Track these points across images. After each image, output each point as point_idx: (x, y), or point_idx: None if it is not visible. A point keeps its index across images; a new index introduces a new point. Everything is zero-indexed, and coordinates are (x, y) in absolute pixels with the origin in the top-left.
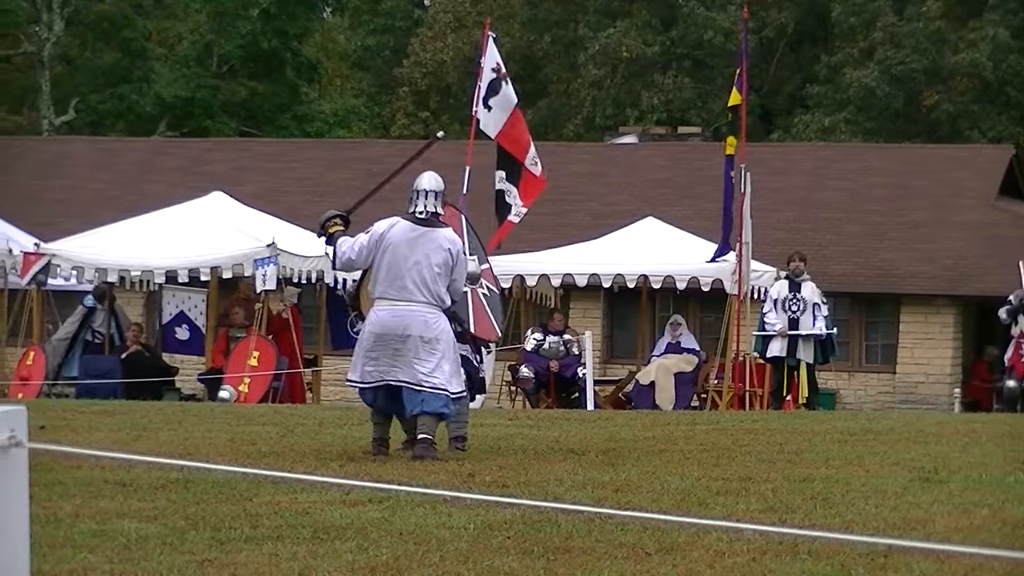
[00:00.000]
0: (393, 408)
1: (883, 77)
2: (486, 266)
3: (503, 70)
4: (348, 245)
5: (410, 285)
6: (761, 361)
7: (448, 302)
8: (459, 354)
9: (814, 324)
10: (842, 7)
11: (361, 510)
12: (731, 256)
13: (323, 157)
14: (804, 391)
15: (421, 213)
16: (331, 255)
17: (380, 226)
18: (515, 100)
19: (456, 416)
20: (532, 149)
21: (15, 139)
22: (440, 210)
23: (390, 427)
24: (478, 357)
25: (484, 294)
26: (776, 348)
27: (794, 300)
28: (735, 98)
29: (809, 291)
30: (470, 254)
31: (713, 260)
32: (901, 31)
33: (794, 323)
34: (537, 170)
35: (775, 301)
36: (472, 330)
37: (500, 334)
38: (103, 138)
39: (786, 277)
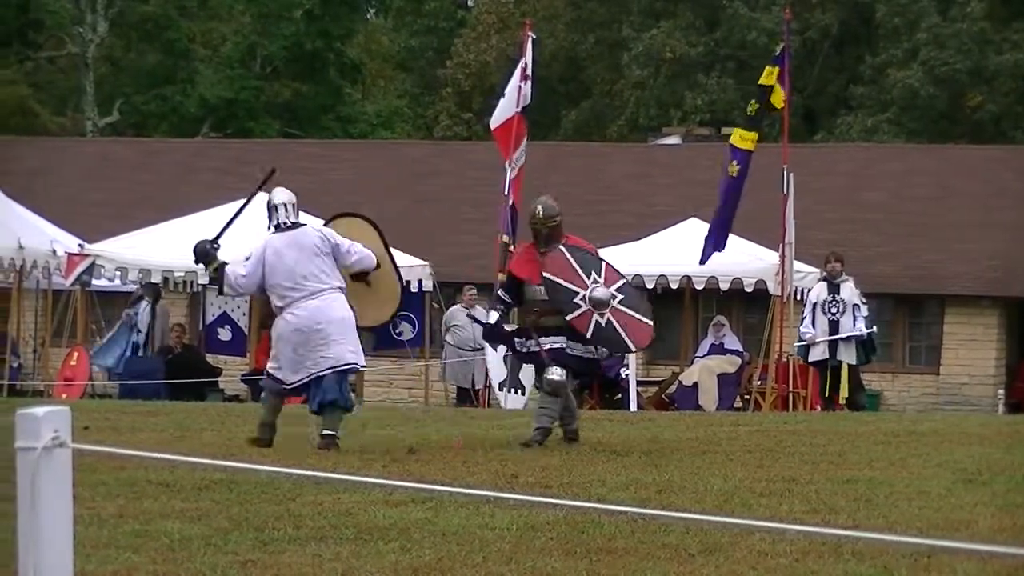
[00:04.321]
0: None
1: (927, 78)
2: (603, 263)
3: (527, 72)
4: (233, 269)
5: (309, 279)
6: (803, 363)
7: (342, 282)
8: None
9: (854, 325)
10: (886, 8)
11: (404, 511)
12: (773, 257)
13: (365, 158)
14: (844, 391)
15: (284, 224)
16: (220, 285)
17: (257, 249)
18: (521, 104)
19: (569, 410)
20: (517, 153)
21: (59, 140)
22: (296, 218)
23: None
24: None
25: (621, 300)
26: (818, 352)
27: (833, 302)
28: (768, 77)
29: (848, 292)
30: (588, 277)
31: (704, 261)
32: (945, 32)
33: (834, 325)
34: (512, 172)
35: (815, 304)
36: (634, 348)
37: (651, 323)
38: (146, 139)
39: (823, 278)
